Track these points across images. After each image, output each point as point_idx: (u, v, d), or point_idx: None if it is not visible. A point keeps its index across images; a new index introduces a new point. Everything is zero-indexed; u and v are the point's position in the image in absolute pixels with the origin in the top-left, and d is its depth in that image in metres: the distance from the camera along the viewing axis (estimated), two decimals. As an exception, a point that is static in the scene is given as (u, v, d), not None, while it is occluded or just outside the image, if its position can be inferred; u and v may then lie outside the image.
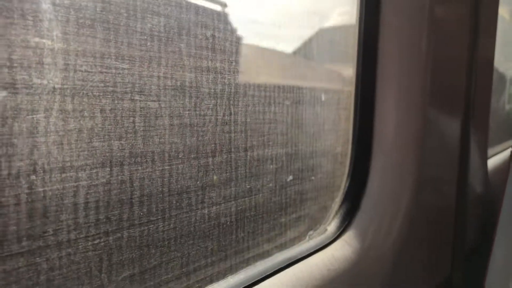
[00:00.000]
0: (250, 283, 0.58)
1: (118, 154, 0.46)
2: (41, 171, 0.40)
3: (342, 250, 0.73)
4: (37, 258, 0.40)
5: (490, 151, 1.62)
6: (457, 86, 1.08)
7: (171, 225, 0.52)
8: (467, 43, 1.07)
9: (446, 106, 1.03)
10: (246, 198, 0.63)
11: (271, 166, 0.67)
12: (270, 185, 0.68)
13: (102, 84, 0.44)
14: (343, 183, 0.84)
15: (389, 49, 0.85)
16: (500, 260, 0.98)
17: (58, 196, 0.41)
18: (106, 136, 0.45)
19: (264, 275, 0.60)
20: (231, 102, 0.59)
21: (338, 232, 0.77)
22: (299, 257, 0.67)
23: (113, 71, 0.45)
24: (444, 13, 0.95)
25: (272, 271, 0.61)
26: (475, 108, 1.16)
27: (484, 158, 1.42)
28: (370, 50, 0.85)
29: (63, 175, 0.42)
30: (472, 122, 1.15)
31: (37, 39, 0.39)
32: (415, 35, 0.86)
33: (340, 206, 0.82)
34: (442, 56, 0.95)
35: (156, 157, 0.50)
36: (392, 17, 0.85)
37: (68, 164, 0.42)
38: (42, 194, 0.40)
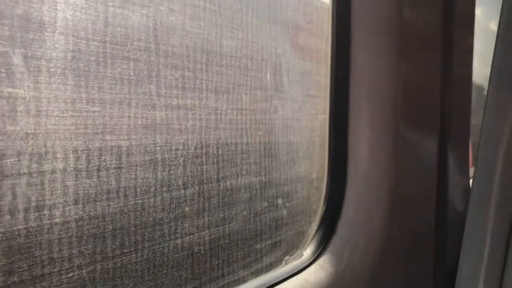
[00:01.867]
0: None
1: (90, 191, 0.49)
2: (15, 211, 0.43)
3: (316, 274, 0.76)
4: (12, 293, 0.43)
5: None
6: (431, 105, 1.10)
7: (144, 256, 0.55)
8: (440, 61, 1.10)
9: (421, 125, 1.06)
10: (220, 227, 0.66)
11: (245, 194, 0.70)
12: (244, 213, 0.71)
13: (74, 127, 0.48)
14: (319, 208, 0.87)
15: (361, 71, 0.89)
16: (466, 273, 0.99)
17: (32, 233, 0.44)
18: (78, 175, 0.48)
19: (238, 302, 0.62)
20: (202, 136, 0.63)
21: (314, 257, 0.80)
22: (274, 282, 0.70)
23: (84, 114, 0.48)
24: (415, 31, 0.99)
25: (246, 297, 0.64)
26: (453, 126, 1.19)
27: (466, 176, 1.44)
28: (343, 76, 0.89)
29: (37, 213, 0.45)
30: (450, 140, 1.17)
31: (10, 89, 0.43)
32: (387, 54, 0.89)
33: (317, 230, 0.84)
34: (415, 75, 0.98)
35: (128, 192, 0.53)
36: (361, 36, 0.89)
37: (41, 203, 0.45)
38: (16, 232, 0.43)
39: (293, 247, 0.81)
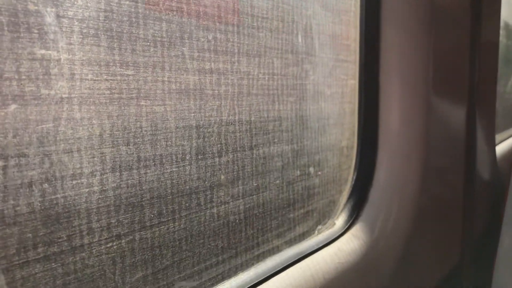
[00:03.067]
0: (261, 279, 0.59)
1: (127, 159, 0.47)
2: (53, 179, 0.41)
3: (351, 243, 0.74)
4: (53, 264, 0.42)
5: (498, 137, 1.62)
6: (461, 73, 1.08)
7: (181, 226, 0.53)
8: (470, 29, 1.07)
9: (451, 94, 1.03)
10: (254, 196, 0.64)
11: (278, 163, 0.68)
12: (277, 181, 0.69)
13: (108, 92, 0.45)
14: (350, 177, 0.85)
15: (391, 39, 0.86)
16: (508, 245, 0.98)
17: (70, 202, 0.43)
18: (115, 142, 0.46)
19: (274, 271, 0.61)
20: (235, 102, 0.60)
21: (347, 226, 0.78)
22: (309, 251, 0.68)
23: (118, 78, 0.46)
24: (445, 0, 0.95)
25: (282, 267, 0.62)
26: (480, 94, 1.16)
27: (492, 144, 1.42)
28: (373, 42, 0.86)
29: (75, 181, 0.43)
30: (477, 108, 1.15)
31: (43, 51, 0.40)
32: (416, 23, 0.86)
33: (348, 199, 0.83)
34: (445, 43, 0.95)
35: (164, 159, 0.51)
36: (393, 6, 0.85)
37: (79, 171, 0.43)
38: (55, 201, 0.42)
39: (325, 216, 0.79)
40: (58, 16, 0.41)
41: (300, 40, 0.72)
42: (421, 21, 0.87)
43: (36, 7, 0.40)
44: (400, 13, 0.86)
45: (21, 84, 0.39)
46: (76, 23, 0.43)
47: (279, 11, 0.67)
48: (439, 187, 1.00)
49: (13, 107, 0.38)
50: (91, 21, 0.44)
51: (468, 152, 1.13)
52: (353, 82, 0.86)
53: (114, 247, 0.47)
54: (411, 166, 0.87)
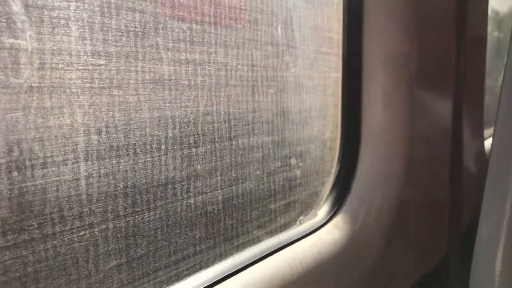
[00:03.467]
0: (238, 268, 0.59)
1: (99, 148, 0.47)
2: (23, 167, 0.42)
3: (332, 233, 0.75)
4: (23, 251, 0.42)
5: (490, 131, 1.62)
6: (447, 65, 1.08)
7: (157, 215, 0.54)
8: (455, 21, 1.07)
9: (436, 86, 1.03)
10: (233, 187, 0.65)
11: (258, 154, 0.69)
12: (258, 172, 0.69)
13: (80, 81, 0.46)
14: (333, 168, 0.85)
15: (374, 32, 0.86)
16: (485, 237, 0.99)
17: (40, 191, 0.43)
18: (86, 131, 0.46)
19: (252, 260, 0.61)
20: (212, 92, 0.60)
21: (328, 217, 0.78)
22: (289, 241, 0.69)
23: (90, 67, 0.46)
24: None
25: (260, 256, 0.63)
26: (468, 86, 1.16)
27: (480, 136, 1.42)
28: (356, 34, 0.86)
29: (45, 170, 0.43)
30: (464, 101, 1.15)
31: (11, 40, 0.40)
32: (401, 16, 0.86)
33: (331, 190, 0.83)
34: (430, 35, 0.95)
35: (138, 149, 0.51)
36: (376, -2, 0.85)
37: (50, 159, 0.43)
38: (24, 190, 0.42)
39: (308, 207, 0.80)
40: (26, 6, 0.41)
41: (280, 32, 0.72)
42: (406, 13, 0.87)
43: (4, -4, 0.40)
44: (384, 5, 0.86)
45: (-11, 72, 0.39)
46: (46, 12, 0.43)
47: (257, 2, 0.68)
48: (424, 179, 1.01)
49: (-21, 95, 0.38)
50: (62, 11, 0.44)
51: (455, 144, 1.14)
52: (336, 75, 0.87)
53: (87, 235, 0.47)
54: (394, 158, 0.88)
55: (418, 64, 0.91)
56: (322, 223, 0.77)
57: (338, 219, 0.79)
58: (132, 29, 0.50)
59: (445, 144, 1.11)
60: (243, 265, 0.60)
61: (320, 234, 0.74)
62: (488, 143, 1.54)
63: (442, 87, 1.07)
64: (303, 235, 0.72)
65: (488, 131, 1.57)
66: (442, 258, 1.11)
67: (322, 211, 0.80)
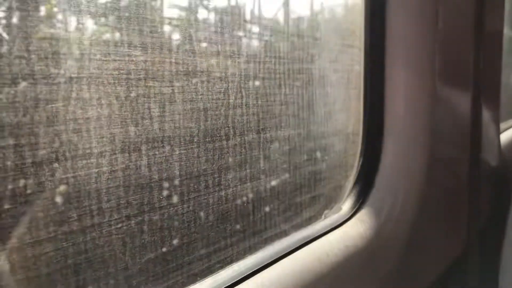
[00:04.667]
0: (269, 261, 0.59)
1: (136, 140, 0.47)
2: (63, 159, 0.41)
3: (357, 227, 0.74)
4: (63, 243, 0.42)
5: (503, 125, 1.62)
6: (466, 61, 1.07)
7: (190, 208, 0.53)
8: (474, 17, 1.07)
9: (456, 82, 1.03)
10: (262, 180, 0.64)
11: (285, 147, 0.68)
12: (284, 166, 0.69)
13: (117, 72, 0.45)
14: (356, 162, 0.85)
15: (396, 26, 0.85)
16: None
17: (80, 182, 0.43)
18: (123, 123, 0.46)
19: (282, 254, 0.61)
20: (242, 85, 0.60)
21: (353, 211, 0.78)
22: (316, 235, 0.68)
23: (127, 58, 0.46)
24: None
25: (289, 250, 0.63)
26: (486, 82, 1.16)
27: (497, 132, 1.41)
28: (378, 28, 0.85)
29: (84, 161, 0.43)
30: (482, 96, 1.15)
31: (52, 30, 0.40)
32: (422, 10, 0.86)
33: (354, 184, 0.83)
34: (450, 31, 0.95)
35: (172, 141, 0.51)
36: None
37: (88, 151, 0.43)
38: (64, 181, 0.42)
39: (332, 201, 0.79)
40: (66, -5, 0.41)
41: (306, 23, 0.72)
42: (427, 9, 0.87)
43: (45, -14, 0.39)
44: (406, 1, 0.85)
45: (31, 62, 0.39)
46: (85, 2, 0.42)
47: (285, -6, 0.67)
48: (444, 173, 1.00)
49: (23, 84, 0.38)
50: (100, 1, 0.44)
51: (473, 139, 1.13)
52: (359, 68, 0.86)
53: (124, 228, 0.47)
54: (416, 152, 0.87)
55: (439, 60, 0.90)
56: (347, 217, 0.76)
57: (362, 213, 0.78)
58: (167, 20, 0.50)
59: (464, 140, 1.10)
60: (273, 259, 0.60)
61: (345, 228, 0.73)
62: (503, 137, 1.53)
63: (462, 83, 1.06)
64: (329, 229, 0.71)
65: (502, 125, 1.57)
66: (461, 253, 1.11)
67: (346, 205, 0.79)
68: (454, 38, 0.99)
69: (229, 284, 0.53)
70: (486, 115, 1.21)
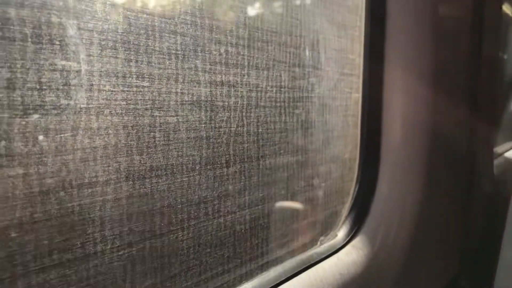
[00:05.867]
0: (267, 288, 0.60)
1: (140, 168, 0.48)
2: (69, 187, 0.42)
3: (351, 255, 0.75)
4: (67, 270, 0.42)
5: (497, 150, 1.63)
6: (462, 88, 1.09)
7: (190, 234, 0.54)
8: (470, 42, 1.09)
9: (453, 108, 1.05)
10: (260, 206, 0.65)
11: (283, 174, 0.69)
12: (282, 192, 0.70)
13: (124, 102, 0.46)
14: (352, 189, 0.86)
15: (395, 54, 0.87)
16: (510, 259, 0.99)
17: (85, 210, 0.44)
18: (129, 151, 0.47)
19: (278, 281, 0.62)
20: (244, 113, 0.61)
21: (348, 237, 0.79)
22: (312, 262, 0.69)
23: (134, 89, 0.47)
24: (447, 13, 0.97)
25: (285, 277, 0.63)
26: (482, 108, 1.18)
27: (491, 157, 1.43)
28: (377, 56, 0.87)
29: (90, 190, 0.44)
30: (479, 122, 1.16)
31: (63, 62, 0.41)
32: (419, 36, 0.88)
33: (350, 211, 0.84)
34: (447, 57, 0.97)
35: (175, 169, 0.52)
36: (397, 21, 0.86)
37: (94, 179, 0.44)
38: (70, 209, 0.42)
39: (328, 228, 0.80)
40: (79, 28, 0.42)
41: (307, 54, 0.73)
42: (425, 37, 0.89)
43: (59, 19, 0.41)
44: (403, 29, 0.87)
45: (42, 94, 0.40)
46: (96, 35, 0.44)
47: (287, 25, 0.69)
48: (439, 198, 1.01)
49: (34, 116, 0.39)
50: (110, 33, 0.45)
51: (468, 164, 1.15)
52: (357, 96, 0.88)
53: (126, 255, 0.47)
54: (412, 178, 0.88)
55: (436, 87, 0.92)
56: (342, 244, 0.77)
57: (357, 241, 0.79)
58: (173, 51, 0.51)
59: (459, 165, 1.12)
60: (270, 286, 0.60)
61: (340, 255, 0.74)
62: (497, 162, 1.55)
63: (459, 110, 1.08)
64: (324, 256, 0.72)
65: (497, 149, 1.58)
66: (454, 277, 1.12)
67: (342, 232, 0.80)
68: (451, 66, 1.01)
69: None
70: (481, 140, 1.23)
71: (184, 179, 0.53)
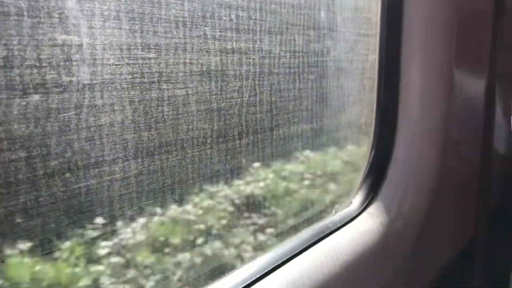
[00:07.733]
0: (282, 261, 0.59)
1: (149, 145, 0.46)
2: (75, 168, 0.41)
3: (367, 223, 0.74)
4: (77, 252, 0.41)
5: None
6: (483, 47, 1.05)
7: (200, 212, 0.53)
8: (493, 4, 1.04)
9: (472, 66, 1.01)
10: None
11: (297, 143, 0.67)
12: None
13: (130, 76, 0.44)
14: (367, 155, 0.84)
15: (413, 12, 0.83)
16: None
17: (92, 191, 0.42)
18: (137, 128, 0.45)
19: (293, 253, 0.61)
20: (256, 82, 0.58)
21: (364, 205, 0.77)
22: (327, 232, 0.68)
23: (140, 61, 0.44)
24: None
25: (301, 249, 0.62)
26: (502, 68, 1.13)
27: (509, 117, 1.39)
28: (395, 15, 0.83)
29: (97, 170, 0.42)
30: (497, 83, 1.12)
31: (64, 37, 0.39)
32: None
33: (365, 177, 0.82)
34: (467, 14, 0.92)
35: (185, 144, 0.50)
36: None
37: (101, 158, 0.42)
38: (77, 191, 0.41)
39: (343, 195, 0.79)
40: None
41: (322, 15, 0.69)
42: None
43: (56, -10, 0.38)
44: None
45: (42, 71, 0.37)
46: (97, 5, 0.41)
47: (302, -15, 0.65)
48: (456, 160, 0.99)
49: (35, 96, 0.37)
50: (112, 3, 0.42)
51: (486, 125, 1.12)
52: (374, 57, 0.84)
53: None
54: (430, 141, 0.86)
55: (456, 47, 0.87)
56: (357, 212, 0.76)
57: (373, 208, 0.77)
58: (180, 19, 0.48)
59: (477, 125, 1.09)
60: (284, 259, 0.59)
61: (356, 224, 0.73)
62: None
63: (478, 70, 1.04)
64: (339, 225, 0.71)
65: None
66: (470, 238, 1.11)
67: (357, 199, 0.79)
68: (472, 22, 0.96)
69: (241, 287, 0.53)
70: (499, 99, 1.19)
71: (195, 154, 0.51)
